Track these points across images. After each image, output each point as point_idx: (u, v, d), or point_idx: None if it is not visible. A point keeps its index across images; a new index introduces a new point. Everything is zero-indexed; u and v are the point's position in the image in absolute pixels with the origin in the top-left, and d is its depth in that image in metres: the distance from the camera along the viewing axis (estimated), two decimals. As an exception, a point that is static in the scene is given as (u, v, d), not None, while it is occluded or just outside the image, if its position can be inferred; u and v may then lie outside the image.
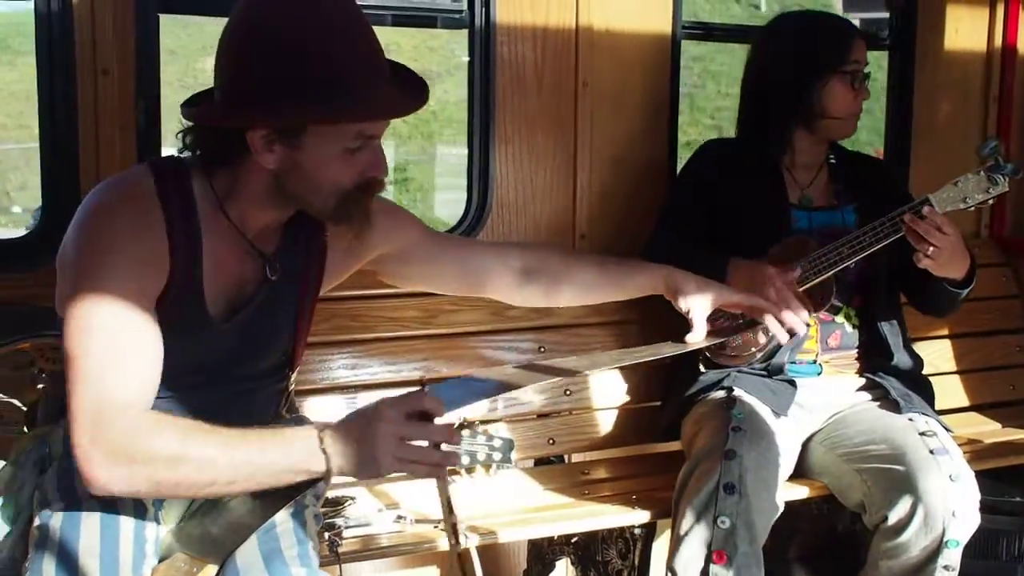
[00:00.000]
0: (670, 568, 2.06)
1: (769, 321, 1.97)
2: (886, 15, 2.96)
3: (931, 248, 2.08)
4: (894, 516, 2.08)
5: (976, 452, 2.60)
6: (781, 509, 2.11)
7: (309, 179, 1.53)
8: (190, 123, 1.58)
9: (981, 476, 2.59)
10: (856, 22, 2.55)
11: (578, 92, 2.54)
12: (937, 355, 2.85)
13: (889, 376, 2.34)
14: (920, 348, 2.78)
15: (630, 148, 2.62)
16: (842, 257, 2.18)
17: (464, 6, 2.45)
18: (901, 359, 2.36)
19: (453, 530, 1.58)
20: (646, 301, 2.47)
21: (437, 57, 11.55)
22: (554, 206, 2.57)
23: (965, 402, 2.88)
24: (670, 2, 2.60)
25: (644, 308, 2.54)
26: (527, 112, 2.51)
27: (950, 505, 2.05)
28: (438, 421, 1.51)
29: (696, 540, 2.00)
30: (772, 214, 2.34)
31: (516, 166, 2.52)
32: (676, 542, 2.04)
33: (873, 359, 2.36)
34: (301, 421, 1.88)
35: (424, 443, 1.49)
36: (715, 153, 2.48)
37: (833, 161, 2.45)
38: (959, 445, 2.60)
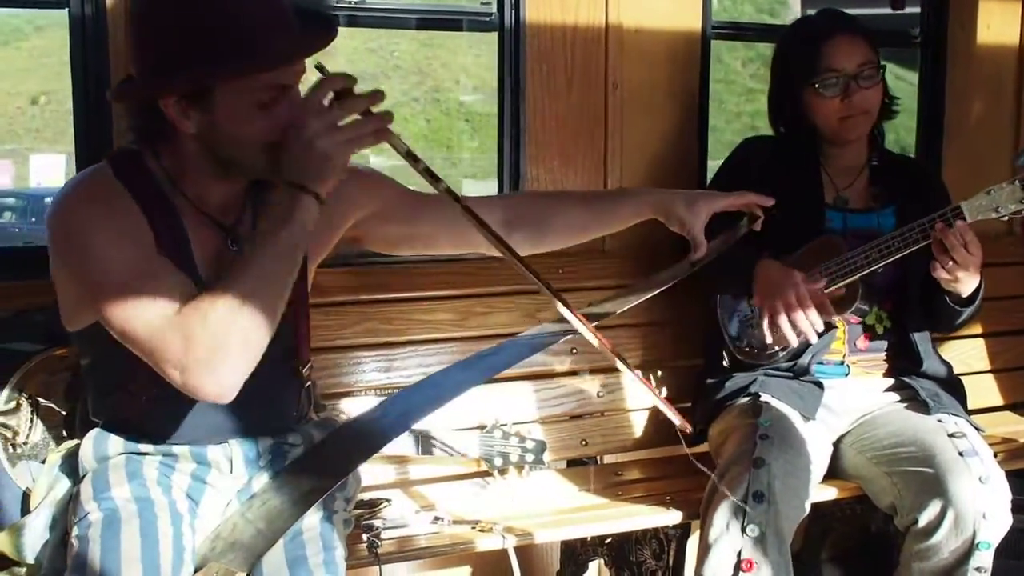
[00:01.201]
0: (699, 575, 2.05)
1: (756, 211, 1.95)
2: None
3: (950, 262, 2.07)
4: (924, 519, 2.07)
5: (1010, 452, 2.58)
6: (807, 512, 2.10)
7: (231, 139, 1.52)
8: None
9: (1013, 476, 2.59)
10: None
11: (608, 93, 2.53)
12: (971, 354, 2.83)
13: (918, 377, 2.32)
14: (953, 347, 2.77)
15: (660, 149, 2.61)
16: (870, 261, 2.17)
17: (493, 8, 2.45)
18: (931, 363, 2.34)
19: (429, 173, 1.51)
20: (675, 303, 2.50)
21: (375, 59, 11.52)
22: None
23: (999, 401, 2.86)
24: (700, 1, 2.60)
25: (675, 310, 2.56)
26: (557, 113, 2.51)
27: (980, 507, 2.03)
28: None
29: (725, 548, 2.00)
30: (806, 214, 2.33)
31: (546, 168, 2.52)
32: (705, 550, 2.03)
33: (902, 361, 2.35)
34: (328, 424, 1.89)
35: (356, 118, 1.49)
36: (754, 151, 2.47)
37: (875, 164, 2.42)
38: (992, 445, 2.59)
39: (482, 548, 2.06)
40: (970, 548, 2.03)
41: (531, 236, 1.91)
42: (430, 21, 2.56)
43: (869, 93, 2.29)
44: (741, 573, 1.97)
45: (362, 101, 1.49)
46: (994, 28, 2.92)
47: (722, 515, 2.00)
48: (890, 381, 2.37)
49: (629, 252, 2.53)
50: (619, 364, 1.62)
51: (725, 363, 2.37)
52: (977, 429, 2.25)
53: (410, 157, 1.51)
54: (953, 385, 2.37)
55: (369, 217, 1.82)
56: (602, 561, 2.44)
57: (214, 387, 1.46)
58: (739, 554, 1.98)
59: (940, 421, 2.21)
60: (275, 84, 1.50)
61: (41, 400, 1.89)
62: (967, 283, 2.16)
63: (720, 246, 1.96)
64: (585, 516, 2.21)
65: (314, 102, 1.48)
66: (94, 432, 1.70)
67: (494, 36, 2.46)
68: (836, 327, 2.30)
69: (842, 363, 2.35)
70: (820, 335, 2.27)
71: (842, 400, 2.33)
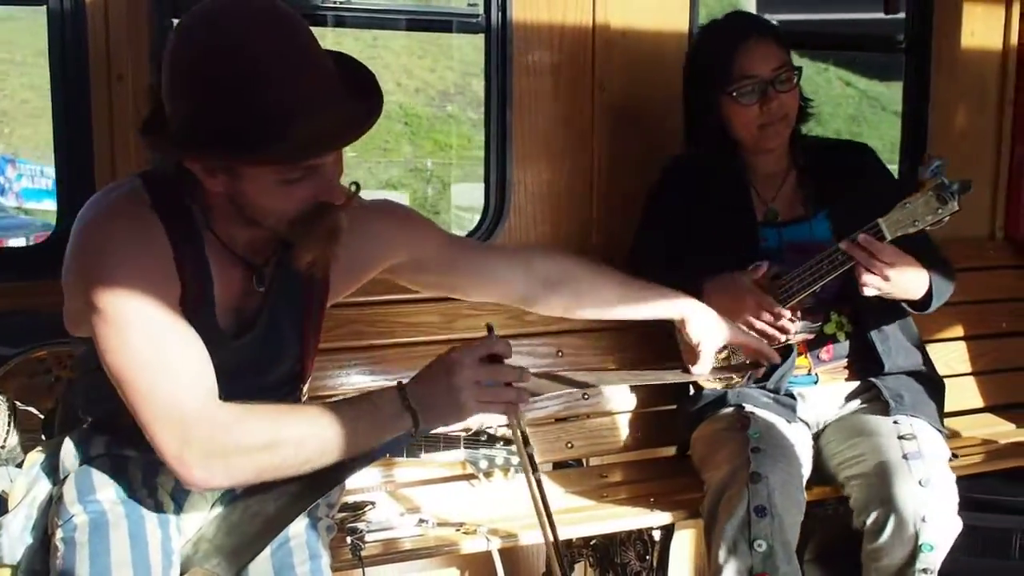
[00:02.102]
0: None
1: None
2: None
3: (874, 278, 2.06)
4: (870, 521, 2.09)
5: (991, 453, 2.62)
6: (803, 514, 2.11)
7: (255, 206, 1.49)
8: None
9: (995, 476, 2.62)
10: (774, 24, 2.36)
11: (595, 96, 2.54)
12: (953, 356, 2.86)
13: (884, 377, 2.30)
14: (935, 349, 2.78)
15: (647, 151, 2.62)
16: (804, 285, 2.15)
17: (480, 10, 2.45)
18: (898, 361, 2.31)
19: (531, 461, 1.62)
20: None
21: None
22: (571, 211, 2.57)
23: (980, 403, 2.89)
24: (687, 3, 2.60)
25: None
26: (544, 116, 2.51)
27: (920, 510, 2.03)
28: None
29: (736, 567, 2.01)
30: (739, 235, 2.29)
31: (533, 171, 2.52)
32: (716, 571, 2.03)
33: (864, 364, 2.32)
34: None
35: (498, 384, 1.53)
36: (680, 173, 2.40)
37: (802, 164, 2.35)
38: (972, 447, 2.63)
39: (467, 550, 2.06)
40: (915, 550, 2.04)
41: (568, 302, 1.95)
42: (417, 22, 2.55)
43: (786, 98, 2.23)
44: None
45: (511, 372, 1.54)
46: (978, 35, 2.94)
47: (728, 534, 2.01)
48: (856, 384, 2.36)
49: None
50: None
51: (691, 391, 2.35)
52: (939, 429, 2.24)
53: (524, 439, 1.59)
54: (928, 381, 2.35)
55: (405, 263, 1.83)
56: (587, 563, 2.44)
57: (202, 482, 1.46)
58: (751, 570, 1.99)
59: (896, 423, 2.20)
60: (304, 165, 1.45)
61: (19, 404, 1.87)
62: (907, 290, 2.14)
63: (720, 375, 2.08)
64: (570, 518, 2.21)
65: (473, 356, 1.52)
66: (77, 432, 1.68)
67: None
68: (793, 347, 2.28)
69: (809, 373, 2.35)
70: (782, 360, 2.25)
71: (813, 404, 2.34)
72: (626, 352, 2.54)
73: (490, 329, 1.57)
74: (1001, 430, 2.78)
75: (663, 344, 2.38)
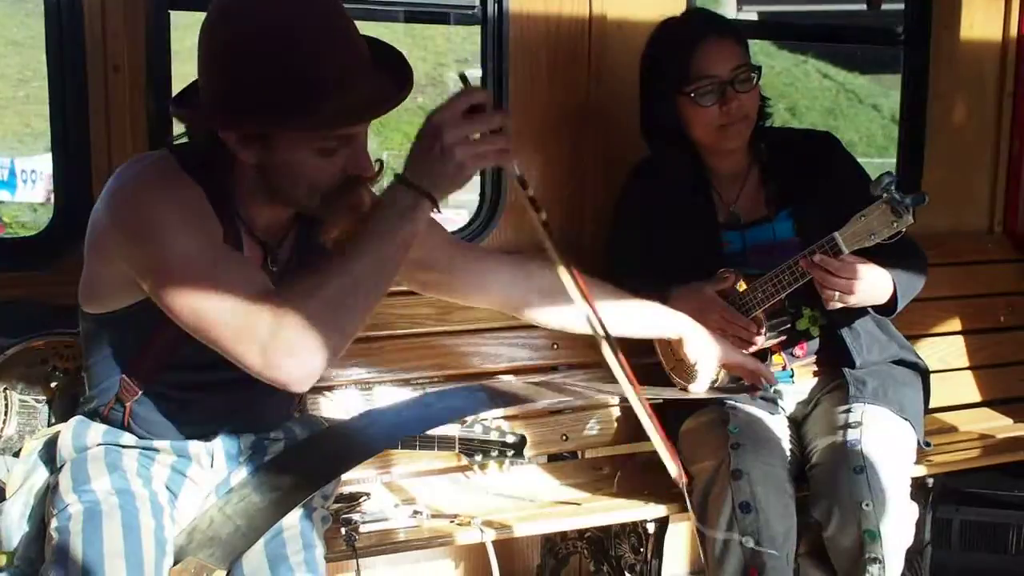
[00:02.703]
0: None
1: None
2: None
3: (834, 293, 2.05)
4: (817, 512, 2.08)
5: (987, 447, 2.61)
6: (793, 505, 2.09)
7: (287, 177, 1.52)
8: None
9: (992, 471, 2.62)
10: (754, 16, 2.33)
11: (591, 89, 2.53)
12: (950, 350, 2.85)
13: (856, 370, 2.26)
14: (932, 344, 2.80)
15: (643, 145, 2.61)
16: (767, 296, 2.14)
17: (477, 1, 2.44)
18: (869, 357, 2.28)
19: (532, 203, 1.53)
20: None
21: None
22: (565, 204, 2.56)
23: (977, 398, 2.88)
24: (683, -2, 2.59)
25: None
26: (539, 109, 2.50)
27: (856, 496, 2.02)
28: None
29: (731, 565, 2.02)
30: (702, 240, 2.27)
31: (529, 162, 2.51)
32: (714, 571, 2.05)
33: (836, 360, 2.29)
34: (310, 421, 1.89)
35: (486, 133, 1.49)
36: (645, 176, 2.37)
37: (765, 159, 2.31)
38: (969, 441, 2.62)
39: (461, 542, 2.07)
40: (860, 538, 2.01)
41: (562, 315, 1.93)
42: (416, 14, 2.54)
43: (746, 98, 2.18)
44: None
45: (496, 118, 1.49)
46: (977, 27, 2.92)
47: (718, 535, 2.03)
48: (827, 378, 2.34)
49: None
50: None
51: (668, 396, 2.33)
52: (904, 418, 2.19)
53: (520, 182, 1.53)
54: (905, 372, 2.32)
55: (412, 259, 1.81)
56: (581, 555, 2.44)
57: (297, 371, 1.43)
58: (745, 565, 2.00)
59: (848, 411, 2.18)
60: (339, 135, 1.50)
61: (17, 394, 1.88)
62: (872, 297, 2.11)
63: (717, 393, 2.10)
64: (565, 510, 2.22)
65: (454, 111, 1.46)
66: (74, 420, 1.70)
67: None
68: (768, 349, 2.28)
69: (784, 369, 2.33)
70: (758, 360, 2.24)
71: (792, 400, 2.34)
72: (619, 344, 2.53)
73: (464, 79, 1.51)
74: (998, 424, 2.78)
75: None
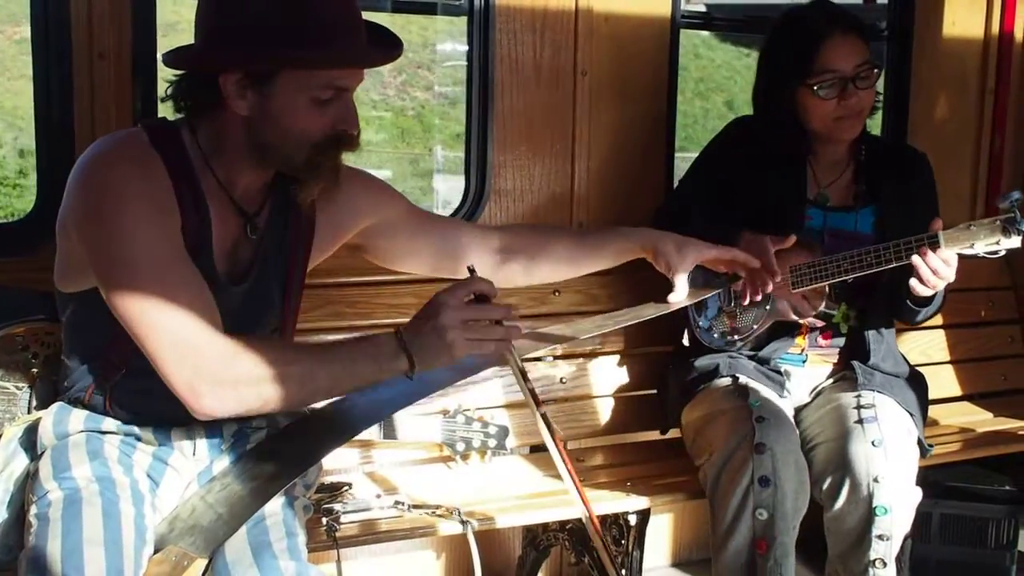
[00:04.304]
0: (719, 561, 2.09)
1: (746, 277, 2.02)
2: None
3: (932, 278, 2.07)
4: (826, 486, 2.11)
5: (968, 441, 2.64)
6: (808, 488, 2.11)
7: (279, 127, 1.55)
8: (174, 78, 1.61)
9: (972, 464, 2.64)
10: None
11: (577, 80, 2.54)
12: (930, 345, 2.87)
13: (866, 366, 2.31)
14: (914, 338, 2.82)
15: (629, 137, 2.62)
16: (841, 271, 2.17)
17: (464, -8, 2.45)
18: (884, 365, 2.32)
19: (533, 396, 1.64)
20: (640, 291, 2.50)
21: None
22: (552, 194, 2.57)
23: (958, 392, 2.90)
24: (669, -11, 2.60)
25: (641, 296, 2.56)
26: (525, 100, 2.51)
27: (872, 470, 2.05)
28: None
29: (740, 534, 2.05)
30: (787, 209, 2.31)
31: (514, 154, 2.52)
32: (722, 537, 2.08)
33: (852, 358, 2.34)
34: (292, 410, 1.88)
35: (486, 322, 1.56)
36: (741, 135, 2.42)
37: (863, 159, 2.38)
38: (949, 435, 2.64)
39: (443, 533, 2.07)
40: (869, 514, 2.05)
41: (525, 267, 1.96)
42: (404, 4, 2.55)
43: (864, 94, 2.24)
44: (755, 553, 2.03)
45: (499, 311, 1.56)
46: (959, 24, 2.94)
47: (732, 503, 2.05)
48: (838, 367, 2.38)
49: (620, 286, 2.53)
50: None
51: (685, 342, 2.38)
52: (909, 412, 2.24)
53: (522, 375, 1.60)
54: (910, 381, 2.37)
55: (375, 226, 1.86)
56: (562, 546, 2.45)
57: (212, 409, 1.49)
58: (753, 537, 2.03)
59: (859, 396, 2.22)
60: (335, 84, 1.54)
61: (-3, 380, 1.87)
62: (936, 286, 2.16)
63: (699, 295, 2.05)
64: (546, 501, 2.23)
65: (458, 296, 1.54)
66: (55, 407, 1.69)
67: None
68: (800, 326, 2.32)
69: (801, 353, 2.38)
70: (785, 335, 2.30)
71: (797, 383, 2.36)
72: (607, 336, 2.55)
73: (471, 271, 1.59)
74: (978, 419, 2.80)
75: (649, 325, 2.40)
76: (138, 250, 1.48)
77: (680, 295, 1.98)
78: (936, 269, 2.04)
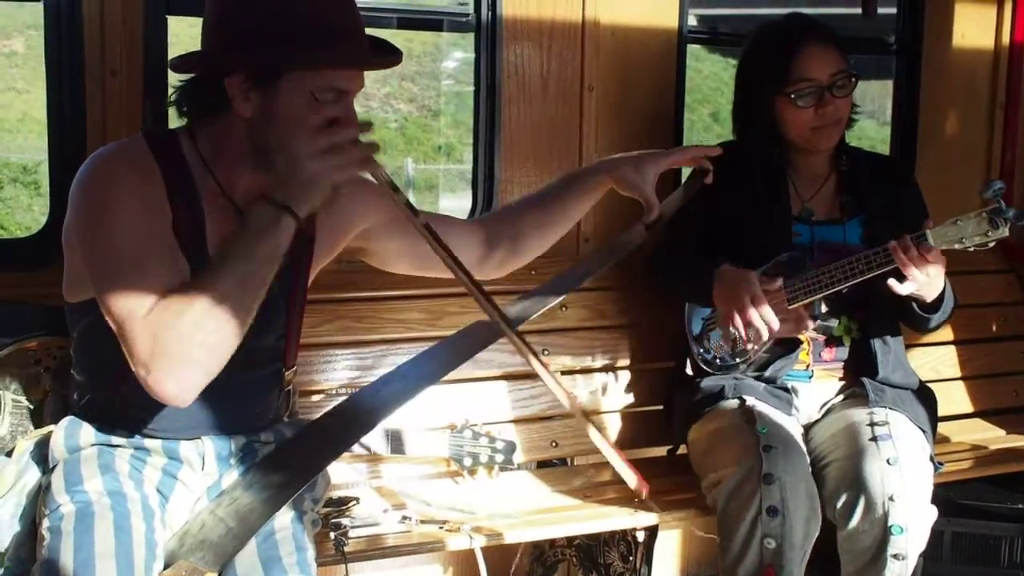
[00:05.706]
0: None
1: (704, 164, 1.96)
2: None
3: (908, 282, 2.08)
4: (840, 504, 2.09)
5: (980, 459, 2.61)
6: (819, 515, 2.10)
7: (280, 130, 1.55)
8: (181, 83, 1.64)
9: (984, 482, 2.61)
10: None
11: (583, 95, 2.54)
12: (941, 361, 2.85)
13: (875, 381, 2.30)
14: (924, 354, 2.79)
15: (635, 149, 2.61)
16: (834, 281, 2.17)
17: (471, 9, 2.46)
18: (892, 373, 2.32)
19: (409, 206, 1.60)
20: (645, 305, 2.50)
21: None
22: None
23: (969, 408, 2.87)
24: (676, 5, 2.60)
25: (645, 312, 2.57)
26: (532, 115, 2.52)
27: (888, 489, 2.03)
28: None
29: (749, 560, 2.04)
30: (773, 227, 2.32)
31: (520, 170, 2.52)
32: (731, 564, 2.07)
33: (859, 371, 2.33)
34: (300, 424, 1.89)
35: (344, 146, 1.54)
36: (723, 158, 2.42)
37: (845, 169, 2.38)
38: (960, 452, 2.62)
39: (450, 548, 2.06)
40: (885, 533, 2.03)
41: (510, 251, 1.95)
42: (410, 21, 2.57)
43: (841, 103, 2.27)
44: None
45: (352, 131, 1.54)
46: (969, 37, 2.93)
47: (740, 533, 2.04)
48: (846, 385, 2.37)
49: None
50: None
51: (689, 371, 2.38)
52: (921, 428, 2.23)
53: (391, 187, 1.55)
54: (920, 395, 2.36)
55: (374, 228, 1.86)
56: (570, 563, 2.44)
57: (173, 388, 1.48)
58: (761, 563, 2.02)
59: (872, 413, 2.21)
60: (336, 87, 1.56)
61: (10, 394, 1.88)
62: (936, 288, 2.16)
63: (674, 205, 1.96)
64: (554, 517, 2.22)
65: (307, 124, 1.52)
66: (66, 421, 1.70)
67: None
68: (801, 342, 2.31)
69: (807, 369, 2.36)
70: (786, 353, 2.29)
71: (805, 400, 2.35)
72: (612, 347, 2.54)
73: (314, 97, 1.56)
74: (991, 435, 2.78)
75: (652, 334, 2.43)
76: (120, 236, 1.51)
77: (653, 212, 1.89)
78: (908, 265, 2.04)
